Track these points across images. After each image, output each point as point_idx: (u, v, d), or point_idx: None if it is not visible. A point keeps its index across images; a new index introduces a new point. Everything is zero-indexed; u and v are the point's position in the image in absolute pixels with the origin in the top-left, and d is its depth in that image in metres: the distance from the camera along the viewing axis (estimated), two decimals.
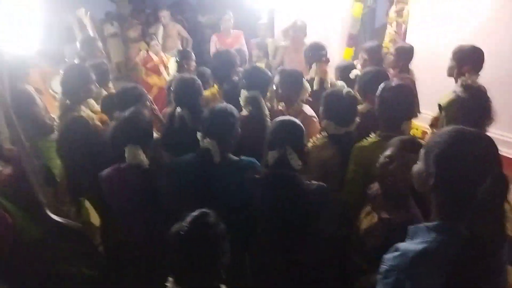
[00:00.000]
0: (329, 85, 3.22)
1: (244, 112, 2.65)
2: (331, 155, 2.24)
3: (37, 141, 2.98)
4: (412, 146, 1.67)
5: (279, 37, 5.39)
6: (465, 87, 2.71)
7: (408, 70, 3.58)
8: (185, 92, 2.64)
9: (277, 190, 1.87)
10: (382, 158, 1.75)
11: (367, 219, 1.80)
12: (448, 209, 1.16)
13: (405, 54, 3.55)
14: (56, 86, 4.47)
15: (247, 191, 1.96)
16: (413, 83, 3.37)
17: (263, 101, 2.63)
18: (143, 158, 2.08)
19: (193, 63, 3.89)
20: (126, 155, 2.07)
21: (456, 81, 2.82)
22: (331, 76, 3.43)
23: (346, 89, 2.34)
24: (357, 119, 2.35)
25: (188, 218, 1.46)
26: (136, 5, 10.16)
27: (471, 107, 2.60)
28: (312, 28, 4.70)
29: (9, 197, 2.03)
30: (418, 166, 1.24)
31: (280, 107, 2.85)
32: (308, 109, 2.79)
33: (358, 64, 3.61)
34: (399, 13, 5.20)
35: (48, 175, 2.78)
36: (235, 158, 2.12)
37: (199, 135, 2.09)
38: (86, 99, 2.90)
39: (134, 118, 2.15)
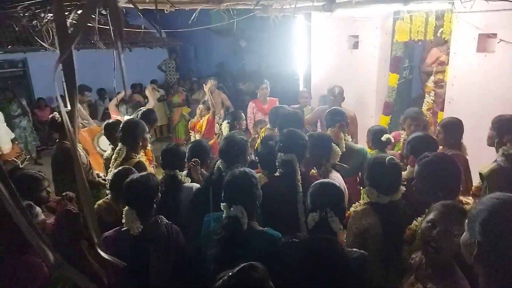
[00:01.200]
0: (344, 148, 3.23)
1: (277, 173, 2.65)
2: (372, 224, 2.16)
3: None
4: (455, 210, 1.60)
5: (315, 104, 5.56)
6: (507, 156, 2.65)
7: (460, 146, 3.13)
8: (229, 148, 2.67)
9: (317, 254, 1.81)
10: (424, 223, 1.68)
11: None
12: (496, 280, 1.09)
13: (453, 128, 3.14)
14: (103, 144, 4.77)
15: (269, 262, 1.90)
16: (465, 161, 3.01)
17: (297, 164, 2.63)
18: (135, 223, 2.06)
19: (244, 122, 4.09)
20: (123, 216, 2.09)
21: (497, 151, 2.76)
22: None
23: (389, 156, 2.31)
24: (402, 188, 2.27)
25: (238, 268, 1.39)
26: (183, 74, 10.96)
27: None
28: (350, 96, 4.83)
29: (49, 247, 2.09)
30: (464, 236, 1.19)
31: (313, 172, 2.85)
32: (336, 175, 2.78)
33: (403, 133, 3.61)
34: (438, 84, 5.30)
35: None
36: (260, 228, 2.07)
37: (222, 205, 2.04)
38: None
39: (136, 182, 2.15)
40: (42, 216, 2.24)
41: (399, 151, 3.55)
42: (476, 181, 2.88)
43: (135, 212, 2.08)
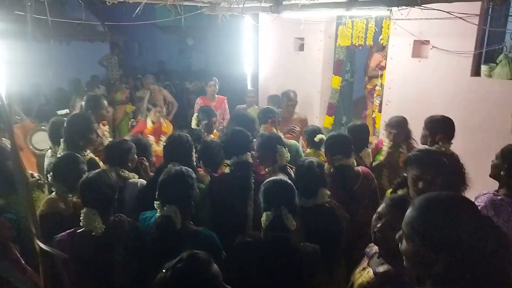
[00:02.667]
0: None
1: (226, 170, 2.66)
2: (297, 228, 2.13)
3: (7, 196, 2.89)
4: (400, 204, 1.65)
5: (263, 104, 5.61)
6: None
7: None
8: (176, 148, 2.63)
9: (272, 253, 1.83)
10: (374, 215, 1.76)
11: (362, 275, 1.76)
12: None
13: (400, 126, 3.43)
14: (37, 142, 4.46)
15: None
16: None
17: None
18: (97, 223, 1.97)
19: (215, 119, 4.01)
20: (81, 218, 1.99)
21: None
22: None
23: (308, 159, 2.41)
24: (326, 192, 2.31)
25: (177, 259, 1.35)
26: (126, 70, 10.55)
27: (448, 174, 2.66)
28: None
29: None
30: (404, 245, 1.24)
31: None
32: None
33: (386, 140, 3.63)
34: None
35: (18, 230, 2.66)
36: (195, 227, 2.05)
37: (156, 203, 2.00)
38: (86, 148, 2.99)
39: (94, 180, 2.04)
40: None
41: (382, 158, 3.54)
42: None
43: (96, 212, 1.97)
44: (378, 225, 1.69)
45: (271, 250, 1.84)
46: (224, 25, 4.80)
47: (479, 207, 2.19)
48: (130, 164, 2.78)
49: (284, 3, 4.08)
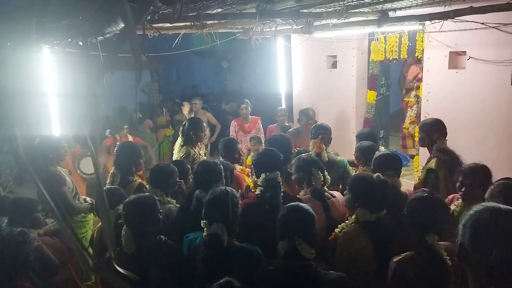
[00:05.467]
0: (326, 158, 3.46)
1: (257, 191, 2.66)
2: (365, 246, 2.15)
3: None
4: None
5: (296, 122, 5.69)
6: (442, 150, 3.11)
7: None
8: (205, 175, 2.64)
9: (293, 282, 1.80)
10: None
11: None
12: (475, 279, 1.20)
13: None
14: (84, 167, 4.75)
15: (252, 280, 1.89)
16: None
17: (280, 182, 2.64)
18: (129, 243, 2.10)
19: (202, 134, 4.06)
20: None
21: (429, 149, 3.24)
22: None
23: (376, 174, 2.34)
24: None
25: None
26: (166, 95, 11.01)
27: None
28: (331, 113, 4.98)
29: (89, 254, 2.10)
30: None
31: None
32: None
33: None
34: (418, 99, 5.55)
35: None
36: (240, 244, 2.10)
37: (203, 222, 2.07)
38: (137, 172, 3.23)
39: (135, 202, 2.18)
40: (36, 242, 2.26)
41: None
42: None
43: (130, 233, 2.09)
44: None
45: (291, 279, 1.81)
46: (258, 46, 4.97)
47: None
48: (170, 189, 2.85)
49: (315, 23, 4.19)
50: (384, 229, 2.20)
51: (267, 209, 2.48)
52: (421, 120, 4.67)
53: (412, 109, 5.68)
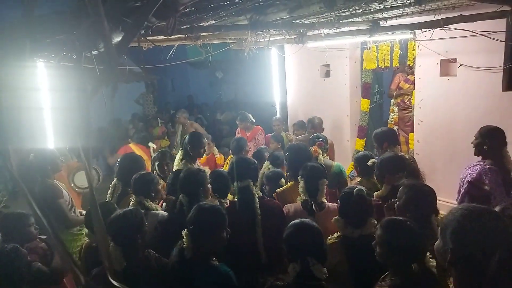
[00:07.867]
0: (322, 162, 3.55)
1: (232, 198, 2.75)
2: (338, 261, 2.07)
3: (59, 233, 3.09)
4: None
5: (291, 130, 5.71)
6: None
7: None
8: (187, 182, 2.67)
9: None
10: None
11: None
12: (467, 282, 1.21)
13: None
14: (78, 180, 4.70)
15: None
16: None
17: (254, 189, 2.70)
18: (119, 259, 2.09)
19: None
20: None
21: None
22: None
23: (357, 187, 2.25)
24: (374, 222, 2.13)
25: None
26: (161, 106, 11.02)
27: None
28: (325, 122, 5.02)
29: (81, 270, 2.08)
30: (437, 243, 1.31)
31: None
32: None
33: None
34: (399, 106, 5.60)
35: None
36: (214, 263, 2.04)
37: (184, 233, 2.04)
38: None
39: (118, 220, 2.17)
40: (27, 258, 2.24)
41: None
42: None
43: (119, 249, 2.07)
44: None
45: None
46: (251, 57, 5.00)
47: (474, 175, 2.93)
48: (153, 194, 2.89)
49: (308, 34, 4.23)
50: (366, 248, 1.92)
51: (241, 216, 2.56)
52: (414, 127, 4.74)
53: (396, 106, 5.67)
